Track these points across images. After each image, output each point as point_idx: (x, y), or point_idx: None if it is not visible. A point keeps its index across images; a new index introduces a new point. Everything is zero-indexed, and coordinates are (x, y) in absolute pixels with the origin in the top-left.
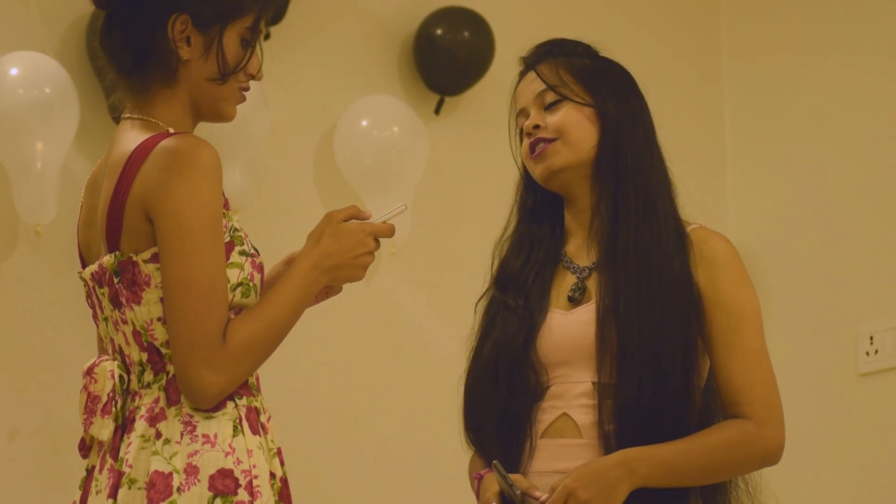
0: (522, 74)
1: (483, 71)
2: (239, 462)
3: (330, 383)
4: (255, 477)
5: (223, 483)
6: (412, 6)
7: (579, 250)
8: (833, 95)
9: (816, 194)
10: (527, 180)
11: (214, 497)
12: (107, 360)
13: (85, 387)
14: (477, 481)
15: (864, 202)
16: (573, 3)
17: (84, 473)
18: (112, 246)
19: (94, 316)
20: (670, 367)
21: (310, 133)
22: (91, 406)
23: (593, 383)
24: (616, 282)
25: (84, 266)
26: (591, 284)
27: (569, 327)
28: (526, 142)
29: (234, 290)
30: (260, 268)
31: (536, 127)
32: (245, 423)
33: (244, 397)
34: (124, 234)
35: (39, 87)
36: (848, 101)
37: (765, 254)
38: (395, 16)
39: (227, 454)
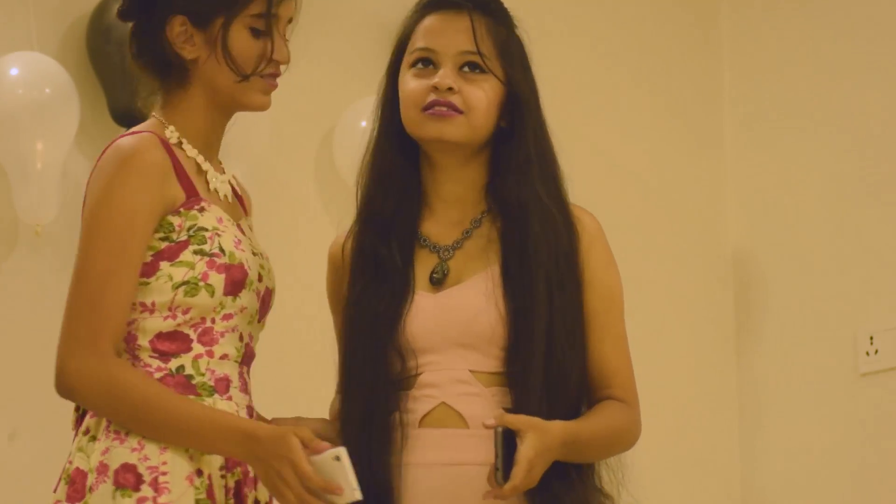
0: (441, 5)
1: None
2: (146, 458)
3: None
4: (164, 474)
5: (124, 477)
6: (410, 6)
7: (440, 228)
8: (833, 93)
9: (817, 194)
10: (394, 117)
11: (115, 490)
12: None
13: None
14: None
15: (864, 202)
16: (576, 10)
17: None
18: None
19: None
20: (568, 355)
21: (310, 133)
22: None
23: (470, 371)
24: (521, 277)
25: None
26: (456, 266)
27: (438, 312)
28: (425, 92)
29: (177, 288)
30: (223, 268)
31: (450, 90)
32: None
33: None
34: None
35: (39, 87)
36: (848, 99)
37: (764, 254)
38: (394, 16)
39: (133, 450)
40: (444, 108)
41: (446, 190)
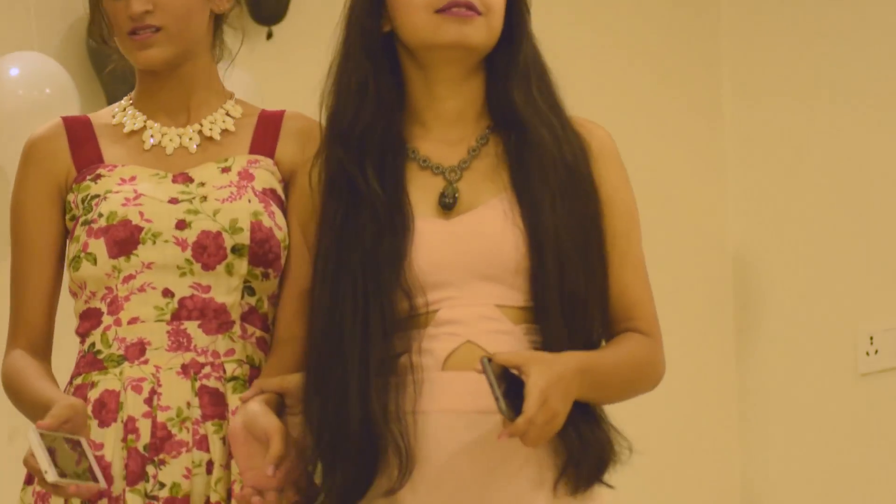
0: None
1: None
2: None
3: None
4: None
5: (27, 472)
6: None
7: (440, 148)
8: (833, 93)
9: (816, 193)
10: (369, 24)
11: (22, 485)
12: None
13: None
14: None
15: (864, 201)
16: (575, 8)
17: None
18: None
19: None
20: (583, 278)
21: None
22: None
23: (496, 306)
24: (531, 192)
25: None
26: (466, 188)
27: (454, 240)
28: None
29: (69, 266)
30: (100, 232)
31: None
32: None
33: (81, 375)
34: None
35: (39, 87)
36: (848, 99)
37: (764, 253)
38: None
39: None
40: (464, 9)
41: (447, 107)
